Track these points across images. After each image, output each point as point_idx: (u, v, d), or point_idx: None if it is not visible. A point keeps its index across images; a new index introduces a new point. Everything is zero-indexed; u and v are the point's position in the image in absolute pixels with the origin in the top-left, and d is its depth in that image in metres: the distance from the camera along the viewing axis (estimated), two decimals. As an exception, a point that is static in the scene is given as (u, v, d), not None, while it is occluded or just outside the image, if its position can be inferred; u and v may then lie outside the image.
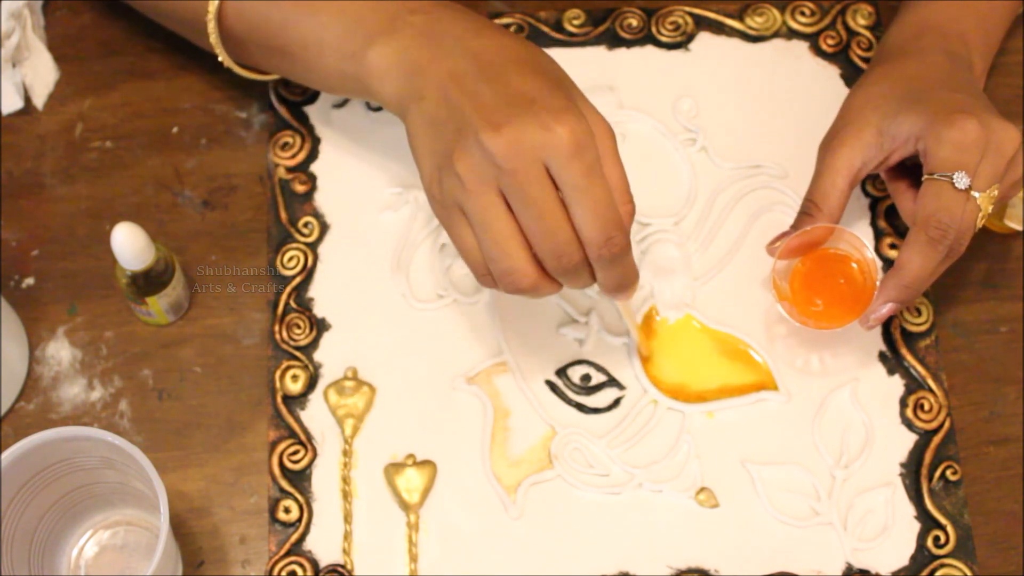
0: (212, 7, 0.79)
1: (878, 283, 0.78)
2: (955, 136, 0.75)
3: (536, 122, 0.68)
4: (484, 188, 0.69)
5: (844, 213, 0.81)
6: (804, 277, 0.81)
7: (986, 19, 0.84)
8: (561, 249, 0.70)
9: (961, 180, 0.75)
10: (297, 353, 0.84)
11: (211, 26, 0.80)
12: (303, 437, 0.82)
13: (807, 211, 0.80)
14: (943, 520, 0.81)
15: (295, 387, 0.83)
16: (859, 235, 0.80)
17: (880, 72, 0.82)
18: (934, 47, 0.82)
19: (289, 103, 0.89)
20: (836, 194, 0.79)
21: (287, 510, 0.81)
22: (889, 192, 0.82)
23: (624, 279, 0.72)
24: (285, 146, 0.88)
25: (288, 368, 0.83)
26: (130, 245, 0.78)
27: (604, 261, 0.70)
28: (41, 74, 0.90)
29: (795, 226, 0.81)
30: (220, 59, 0.82)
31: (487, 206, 0.70)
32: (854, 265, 0.80)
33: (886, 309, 0.78)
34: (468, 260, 0.72)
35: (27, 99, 0.90)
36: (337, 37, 0.77)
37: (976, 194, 0.76)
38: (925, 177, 0.77)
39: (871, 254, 0.79)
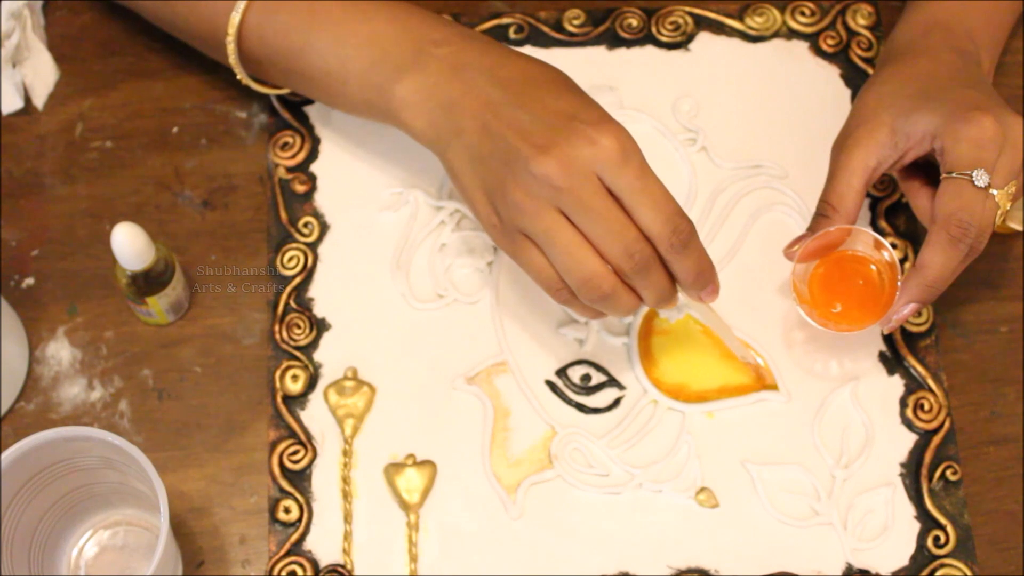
0: (232, 27, 0.80)
1: (899, 283, 0.78)
2: (973, 133, 0.75)
3: (581, 138, 0.70)
4: (544, 208, 0.71)
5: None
6: (822, 280, 0.80)
7: (992, 16, 0.84)
8: (631, 247, 0.71)
9: (980, 178, 0.75)
10: (297, 353, 0.84)
11: (231, 47, 0.81)
12: (303, 437, 0.82)
13: (823, 213, 0.79)
14: (943, 520, 0.81)
15: (295, 387, 0.83)
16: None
17: (890, 71, 0.82)
18: (943, 44, 0.82)
19: (289, 103, 0.89)
20: (852, 195, 0.79)
21: (287, 510, 0.81)
22: (902, 191, 0.82)
23: (700, 266, 0.73)
24: (285, 146, 0.88)
25: (288, 368, 0.83)
26: (130, 245, 0.78)
27: (676, 248, 0.72)
28: (41, 74, 0.90)
29: (812, 229, 0.80)
30: (239, 78, 0.83)
31: (551, 224, 0.71)
32: (872, 267, 0.80)
33: (908, 309, 0.78)
34: (542, 280, 0.74)
35: (27, 99, 0.90)
36: (362, 69, 0.78)
37: (994, 191, 0.75)
38: (944, 176, 0.76)
39: (890, 255, 0.79)
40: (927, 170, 0.80)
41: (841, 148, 0.80)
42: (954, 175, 0.76)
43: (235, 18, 0.80)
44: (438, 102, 0.76)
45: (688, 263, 0.73)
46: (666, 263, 0.73)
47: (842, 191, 0.79)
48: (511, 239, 0.74)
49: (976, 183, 0.75)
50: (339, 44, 0.79)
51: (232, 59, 0.81)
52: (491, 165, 0.73)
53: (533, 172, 0.71)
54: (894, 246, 0.86)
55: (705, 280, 0.74)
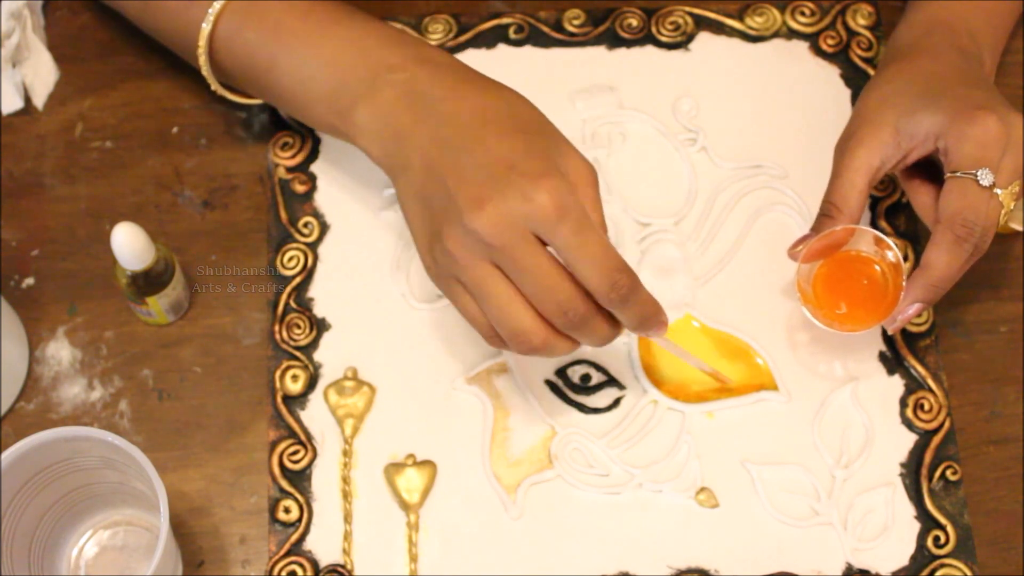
0: (202, 39, 0.80)
1: (903, 282, 0.78)
2: (977, 133, 0.75)
3: (517, 193, 0.69)
4: (476, 261, 0.70)
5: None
6: (826, 280, 0.80)
7: (993, 16, 0.84)
8: (565, 306, 0.70)
9: (985, 177, 0.75)
10: (297, 353, 0.84)
11: (202, 59, 0.81)
12: (303, 437, 0.82)
13: (827, 213, 0.79)
14: (943, 520, 0.81)
15: (295, 387, 0.83)
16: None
17: (893, 70, 0.82)
18: (945, 44, 0.82)
19: (289, 103, 0.89)
20: (856, 195, 0.78)
21: (287, 510, 0.81)
22: (904, 191, 0.82)
23: (643, 314, 0.72)
24: (285, 146, 0.88)
25: (288, 368, 0.83)
26: (130, 245, 0.78)
27: (616, 304, 0.71)
28: (41, 74, 0.90)
29: (815, 229, 0.80)
30: (212, 87, 0.83)
31: (483, 277, 0.71)
32: (876, 267, 0.80)
33: (913, 310, 0.77)
34: (475, 326, 0.73)
35: (27, 99, 0.90)
36: (323, 93, 0.78)
37: (998, 191, 0.75)
38: (948, 175, 0.76)
39: (894, 255, 0.79)
40: (929, 170, 0.80)
41: (844, 148, 0.80)
42: (959, 174, 0.76)
43: (206, 29, 0.80)
44: (391, 131, 0.75)
45: (630, 313, 0.72)
46: (603, 315, 0.72)
47: (846, 191, 0.79)
48: (446, 284, 0.73)
49: (981, 182, 0.75)
50: (302, 66, 0.78)
51: (204, 70, 0.81)
52: (432, 207, 0.72)
53: (466, 226, 0.69)
54: (894, 246, 0.86)
55: (649, 325, 0.73)
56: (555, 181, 0.69)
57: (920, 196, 0.80)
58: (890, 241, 0.78)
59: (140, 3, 0.84)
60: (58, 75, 0.90)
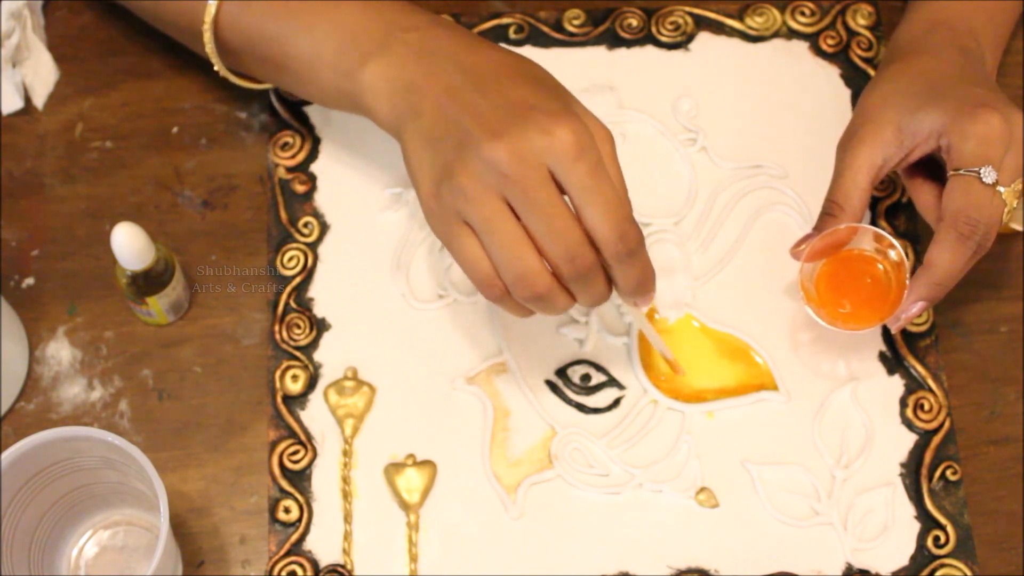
0: (208, 16, 0.79)
1: (907, 280, 0.77)
2: (980, 131, 0.75)
3: (537, 127, 0.68)
4: (488, 195, 0.68)
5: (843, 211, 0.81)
6: (829, 279, 0.80)
7: (994, 15, 0.84)
8: (574, 251, 0.69)
9: (988, 175, 0.75)
10: (297, 353, 0.84)
11: (207, 36, 0.80)
12: (303, 437, 0.82)
13: (830, 212, 0.79)
14: (943, 520, 0.81)
15: (295, 387, 0.83)
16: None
17: (894, 70, 0.82)
18: (946, 43, 0.81)
19: (289, 103, 0.89)
20: (859, 193, 0.78)
21: (287, 510, 0.81)
22: (907, 189, 0.82)
23: (643, 276, 0.72)
24: (285, 146, 0.88)
25: (288, 368, 0.83)
26: (130, 245, 0.78)
27: (621, 257, 0.70)
28: (41, 74, 0.90)
29: (818, 228, 0.80)
30: (216, 68, 0.82)
31: (493, 212, 0.69)
32: (879, 265, 0.80)
33: (916, 308, 0.77)
34: (474, 271, 0.71)
35: (27, 99, 0.90)
36: (332, 54, 0.77)
37: (1001, 188, 0.75)
38: (951, 173, 0.76)
39: (897, 253, 0.79)
40: (931, 168, 0.80)
41: (846, 147, 0.80)
42: (962, 172, 0.76)
43: (211, 7, 0.79)
44: (401, 84, 0.74)
45: (631, 272, 0.71)
46: (607, 268, 0.71)
47: (848, 189, 0.78)
48: (448, 226, 0.70)
49: (984, 180, 0.75)
50: (311, 31, 0.77)
51: (209, 47, 0.80)
52: (443, 147, 0.70)
53: (482, 156, 0.68)
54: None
55: (645, 290, 0.73)
56: (576, 121, 0.69)
57: (922, 195, 0.80)
58: (893, 239, 0.78)
59: None
60: (58, 75, 0.90)
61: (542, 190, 0.68)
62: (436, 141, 0.71)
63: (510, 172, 0.68)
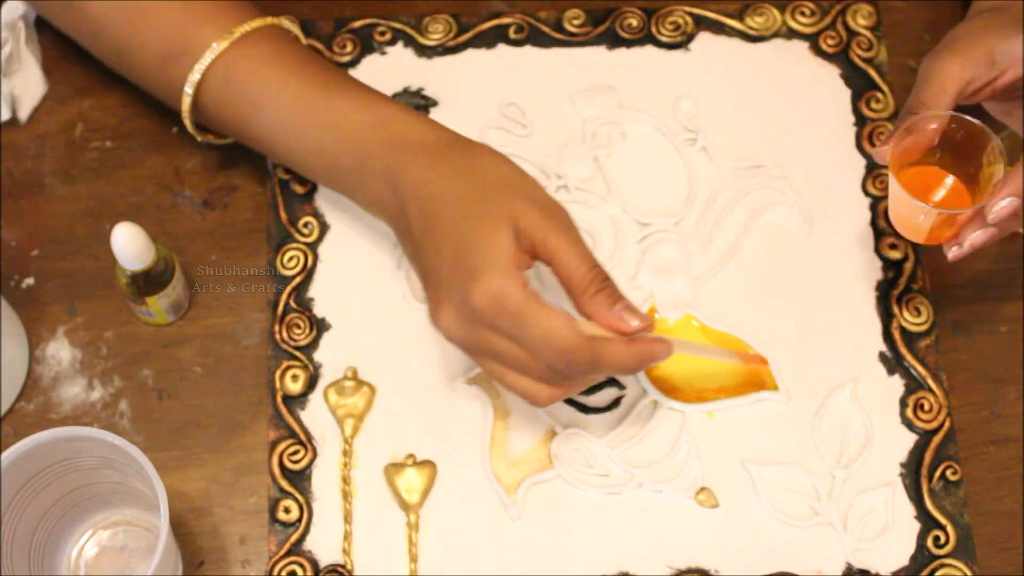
0: (185, 107, 0.81)
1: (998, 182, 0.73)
2: None
3: (458, 296, 0.72)
4: (465, 348, 0.74)
5: (841, 214, 0.81)
6: (910, 182, 0.76)
7: None
8: (547, 375, 0.73)
9: None
10: (297, 353, 0.84)
11: (186, 122, 0.82)
12: (303, 437, 0.82)
13: (913, 112, 0.76)
14: (943, 520, 0.81)
15: (295, 387, 0.83)
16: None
17: (987, 7, 0.80)
18: None
19: (289, 103, 0.89)
20: (945, 99, 0.76)
21: (287, 510, 0.81)
22: (997, 118, 0.80)
23: (624, 366, 0.72)
24: (285, 146, 0.88)
25: (288, 368, 0.83)
26: (130, 245, 0.78)
27: (586, 372, 0.72)
28: (29, 86, 0.89)
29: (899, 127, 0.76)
30: (199, 140, 0.85)
31: (477, 358, 0.74)
32: (958, 183, 0.77)
33: (1008, 203, 0.73)
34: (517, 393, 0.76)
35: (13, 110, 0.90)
36: (320, 173, 0.81)
37: None
38: None
39: (998, 162, 0.74)
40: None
41: (935, 58, 0.77)
42: None
43: (187, 101, 0.81)
44: (387, 218, 0.78)
45: (610, 369, 0.73)
46: None
47: (936, 92, 0.76)
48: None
49: None
50: (291, 149, 0.81)
51: (191, 130, 0.83)
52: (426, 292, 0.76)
53: (437, 327, 0.74)
54: (894, 246, 0.86)
55: (640, 368, 0.73)
56: (487, 280, 0.71)
57: (1016, 119, 0.79)
58: (995, 137, 0.75)
59: (114, 54, 0.84)
60: (46, 89, 0.90)
61: (493, 342, 0.72)
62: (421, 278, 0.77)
63: (458, 341, 0.73)
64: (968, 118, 0.76)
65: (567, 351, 0.70)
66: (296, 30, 0.84)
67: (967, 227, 0.75)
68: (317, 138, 0.79)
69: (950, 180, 0.78)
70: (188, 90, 0.80)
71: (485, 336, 0.72)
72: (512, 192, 0.73)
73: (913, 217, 0.76)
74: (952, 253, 0.76)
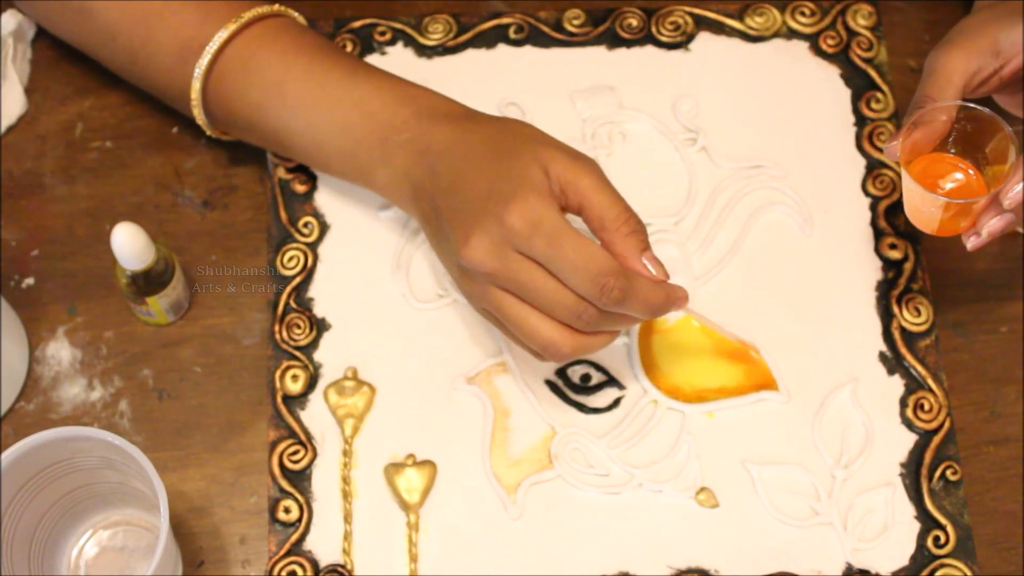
0: (194, 93, 0.81)
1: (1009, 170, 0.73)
2: None
3: (491, 220, 0.72)
4: (486, 291, 0.74)
5: (841, 214, 0.80)
6: (921, 174, 0.76)
7: None
8: (574, 310, 0.72)
9: None
10: (297, 353, 0.84)
11: (196, 112, 0.82)
12: (303, 437, 0.82)
13: (921, 105, 0.76)
14: (943, 520, 0.81)
15: (295, 387, 0.83)
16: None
17: (986, 8, 0.80)
18: None
19: (289, 103, 0.89)
20: (952, 91, 0.76)
21: (287, 510, 0.81)
22: (1009, 111, 0.80)
23: (648, 304, 0.73)
24: (285, 146, 0.88)
25: (288, 368, 0.83)
26: (130, 245, 0.78)
27: (611, 307, 0.72)
28: (8, 104, 0.89)
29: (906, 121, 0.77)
30: (208, 134, 0.84)
31: (497, 302, 0.74)
32: (971, 172, 0.76)
33: (1002, 222, 0.73)
34: (523, 346, 0.76)
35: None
36: (340, 156, 0.81)
37: None
38: None
39: (1011, 148, 0.74)
40: None
41: (940, 50, 0.77)
42: None
43: (195, 85, 0.81)
44: (409, 188, 0.78)
45: (635, 307, 0.73)
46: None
47: (942, 85, 0.76)
48: (484, 315, 0.77)
49: None
50: (313, 130, 0.81)
51: (200, 121, 0.83)
52: (443, 249, 0.77)
53: (462, 263, 0.73)
54: (894, 246, 0.86)
55: (663, 309, 0.74)
56: (523, 201, 0.71)
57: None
58: (1007, 127, 0.74)
59: (128, 57, 0.84)
60: (25, 110, 0.90)
61: (521, 271, 0.72)
62: (439, 242, 0.77)
63: (488, 269, 0.72)
64: (976, 106, 0.75)
65: (601, 273, 0.71)
66: (304, 23, 0.84)
67: (983, 215, 0.74)
68: (343, 116, 0.79)
69: (962, 170, 0.77)
70: (197, 72, 0.80)
71: (516, 263, 0.72)
72: (541, 141, 0.75)
73: (928, 209, 0.76)
74: (971, 242, 0.75)
